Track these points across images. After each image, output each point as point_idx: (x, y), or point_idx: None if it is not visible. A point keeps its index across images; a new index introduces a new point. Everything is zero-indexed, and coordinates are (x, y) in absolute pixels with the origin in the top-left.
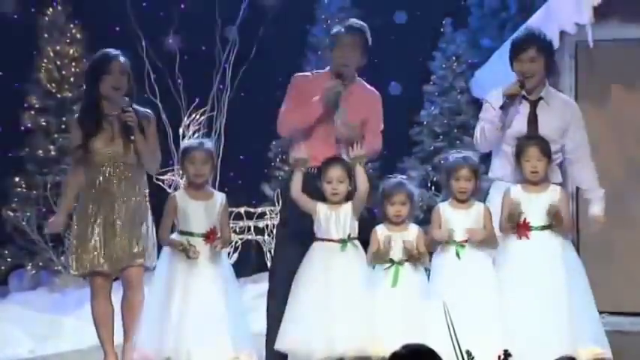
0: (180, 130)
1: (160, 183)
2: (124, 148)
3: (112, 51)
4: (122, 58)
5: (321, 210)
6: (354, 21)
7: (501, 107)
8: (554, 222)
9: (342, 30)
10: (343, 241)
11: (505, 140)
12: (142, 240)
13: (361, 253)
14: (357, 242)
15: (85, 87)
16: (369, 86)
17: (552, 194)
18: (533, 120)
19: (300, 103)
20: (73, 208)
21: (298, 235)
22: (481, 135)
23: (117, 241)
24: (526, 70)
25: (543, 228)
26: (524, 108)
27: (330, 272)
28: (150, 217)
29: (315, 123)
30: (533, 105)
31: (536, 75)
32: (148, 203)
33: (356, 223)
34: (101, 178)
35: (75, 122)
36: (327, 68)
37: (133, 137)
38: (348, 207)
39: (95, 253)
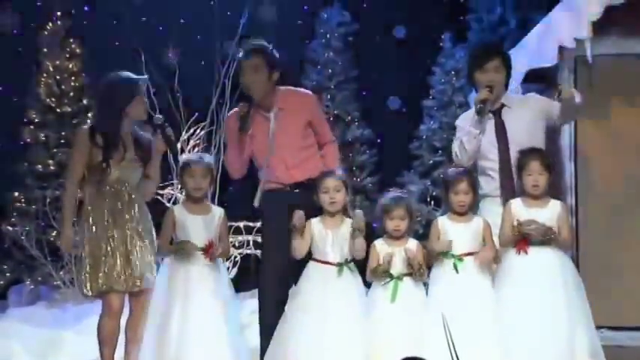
0: (179, 145)
1: (159, 197)
2: (135, 168)
3: (132, 74)
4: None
5: (315, 228)
6: (251, 43)
7: (477, 112)
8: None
9: (241, 56)
10: (340, 265)
11: (481, 157)
12: (151, 264)
13: (358, 278)
14: (353, 266)
15: (108, 109)
16: (299, 89)
17: (553, 209)
18: (500, 127)
19: (232, 142)
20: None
21: (279, 249)
22: (460, 148)
23: (135, 262)
24: (490, 79)
25: (543, 243)
26: (489, 120)
27: (327, 299)
28: (155, 237)
29: (260, 153)
30: (497, 113)
31: (498, 86)
32: (152, 226)
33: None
34: (109, 198)
35: (86, 142)
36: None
37: (171, 150)
38: (346, 227)
39: (113, 271)
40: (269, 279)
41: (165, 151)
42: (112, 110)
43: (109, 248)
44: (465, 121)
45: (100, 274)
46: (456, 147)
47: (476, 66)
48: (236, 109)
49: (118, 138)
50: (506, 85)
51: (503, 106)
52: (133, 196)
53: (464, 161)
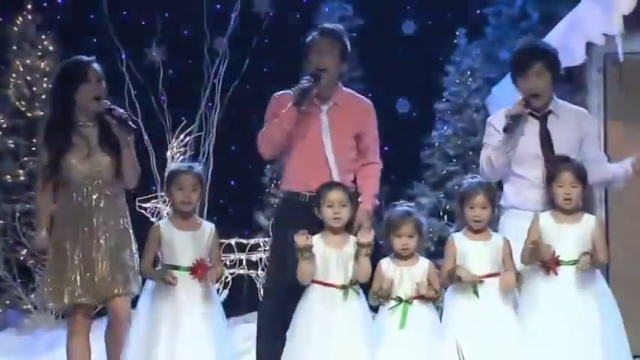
0: (167, 153)
1: (143, 211)
2: (106, 162)
3: (84, 57)
4: (96, 64)
5: (318, 247)
6: (328, 25)
7: (504, 130)
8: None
9: (316, 35)
10: (345, 288)
11: (517, 163)
12: (126, 267)
13: (364, 302)
14: (358, 288)
15: (53, 98)
16: (358, 95)
17: (586, 224)
18: (545, 137)
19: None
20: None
21: (288, 269)
22: (487, 164)
23: (98, 270)
24: (532, 86)
25: (575, 263)
26: (533, 126)
27: (331, 324)
28: (133, 242)
29: (303, 148)
30: (543, 120)
31: (544, 92)
32: (129, 225)
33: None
34: (78, 199)
35: (43, 140)
36: None
37: (130, 132)
38: (350, 246)
39: (75, 284)
40: (270, 300)
41: (126, 137)
42: (58, 101)
43: (74, 258)
44: (498, 122)
45: (63, 288)
46: (483, 161)
47: (517, 72)
48: (291, 90)
49: (67, 131)
50: (556, 88)
51: (550, 112)
52: (107, 193)
53: (489, 178)
